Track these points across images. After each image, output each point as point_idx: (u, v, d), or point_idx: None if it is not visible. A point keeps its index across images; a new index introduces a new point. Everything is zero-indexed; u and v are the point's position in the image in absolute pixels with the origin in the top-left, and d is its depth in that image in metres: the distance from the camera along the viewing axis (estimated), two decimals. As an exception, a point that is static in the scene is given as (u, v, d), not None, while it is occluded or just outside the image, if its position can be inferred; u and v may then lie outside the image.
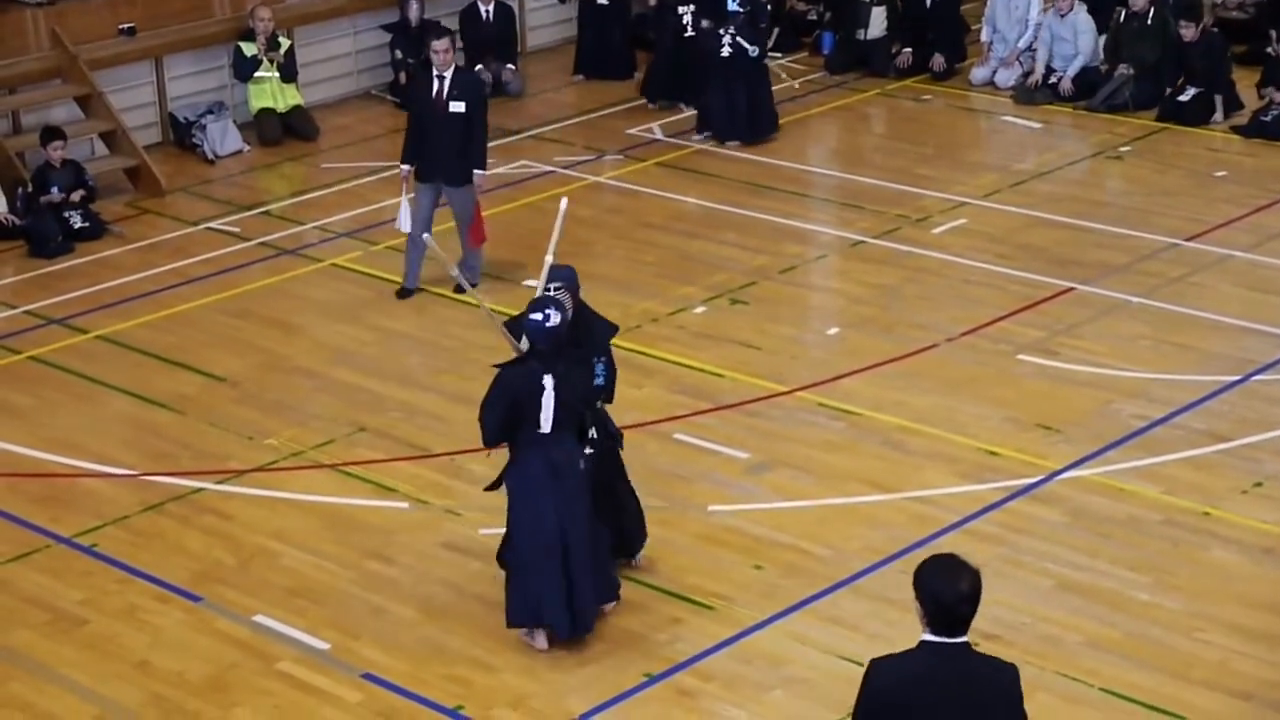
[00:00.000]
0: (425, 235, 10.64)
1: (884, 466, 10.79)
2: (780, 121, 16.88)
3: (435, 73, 13.23)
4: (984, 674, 5.86)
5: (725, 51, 16.40)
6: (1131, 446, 10.99)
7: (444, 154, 13.20)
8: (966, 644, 5.84)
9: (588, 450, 9.09)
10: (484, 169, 13.42)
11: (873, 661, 5.99)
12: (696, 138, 16.70)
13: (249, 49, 16.84)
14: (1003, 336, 12.55)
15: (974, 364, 12.14)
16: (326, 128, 17.24)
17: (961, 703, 5.78)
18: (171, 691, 8.87)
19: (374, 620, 9.41)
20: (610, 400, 9.48)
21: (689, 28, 17.21)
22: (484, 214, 13.48)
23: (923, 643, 5.87)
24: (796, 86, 17.56)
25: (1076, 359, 12.16)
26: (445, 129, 13.15)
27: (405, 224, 13.26)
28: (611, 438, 9.45)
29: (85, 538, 10.30)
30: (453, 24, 18.37)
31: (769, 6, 17.63)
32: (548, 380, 8.72)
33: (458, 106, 13.16)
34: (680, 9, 17.31)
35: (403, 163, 13.40)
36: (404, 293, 13.42)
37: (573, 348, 9.02)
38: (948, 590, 5.81)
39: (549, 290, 9.12)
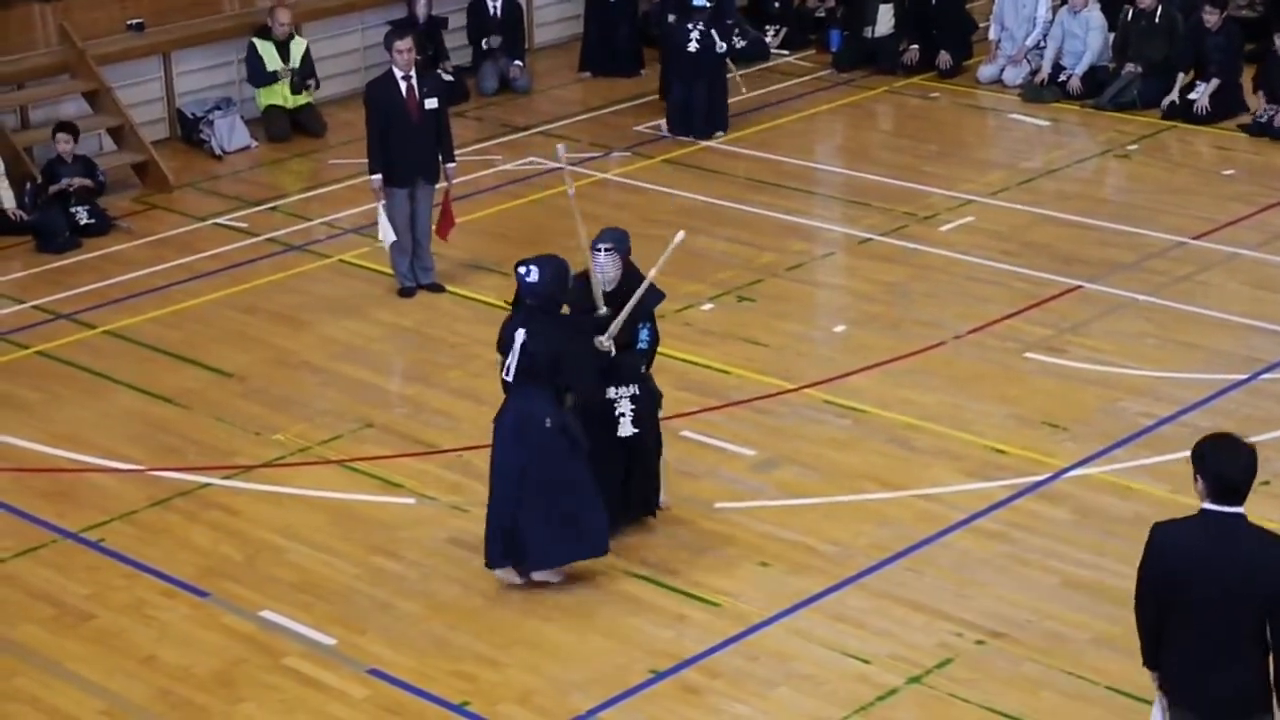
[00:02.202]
0: (559, 148, 10.74)
1: (890, 464, 10.79)
2: (781, 119, 16.88)
3: (400, 74, 13.07)
4: (1254, 542, 6.71)
5: (692, 46, 16.40)
6: (1138, 445, 10.98)
7: (423, 154, 13.16)
8: (1242, 514, 6.74)
9: (568, 406, 9.37)
10: (454, 161, 13.46)
11: (1156, 525, 6.95)
12: (665, 132, 16.68)
13: (269, 58, 16.77)
14: (1010, 334, 12.55)
15: (981, 362, 12.14)
16: (334, 124, 17.24)
17: (1233, 565, 6.65)
18: (178, 686, 8.88)
19: (380, 616, 9.42)
20: (649, 365, 9.88)
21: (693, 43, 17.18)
22: (490, 209, 13.49)
23: (1203, 511, 6.78)
24: (745, 91, 17.43)
25: (1083, 357, 12.16)
26: (422, 128, 13.12)
27: (390, 235, 13.18)
28: (652, 396, 9.94)
29: (92, 533, 10.31)
30: (460, 20, 18.41)
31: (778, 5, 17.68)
32: (520, 333, 9.18)
33: (432, 103, 13.15)
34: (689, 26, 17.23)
35: (373, 173, 13.16)
36: (406, 292, 13.41)
37: (598, 309, 9.62)
38: (1230, 465, 6.73)
39: (598, 249, 9.72)
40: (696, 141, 16.55)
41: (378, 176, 13.13)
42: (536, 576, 9.57)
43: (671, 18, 16.68)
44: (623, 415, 9.78)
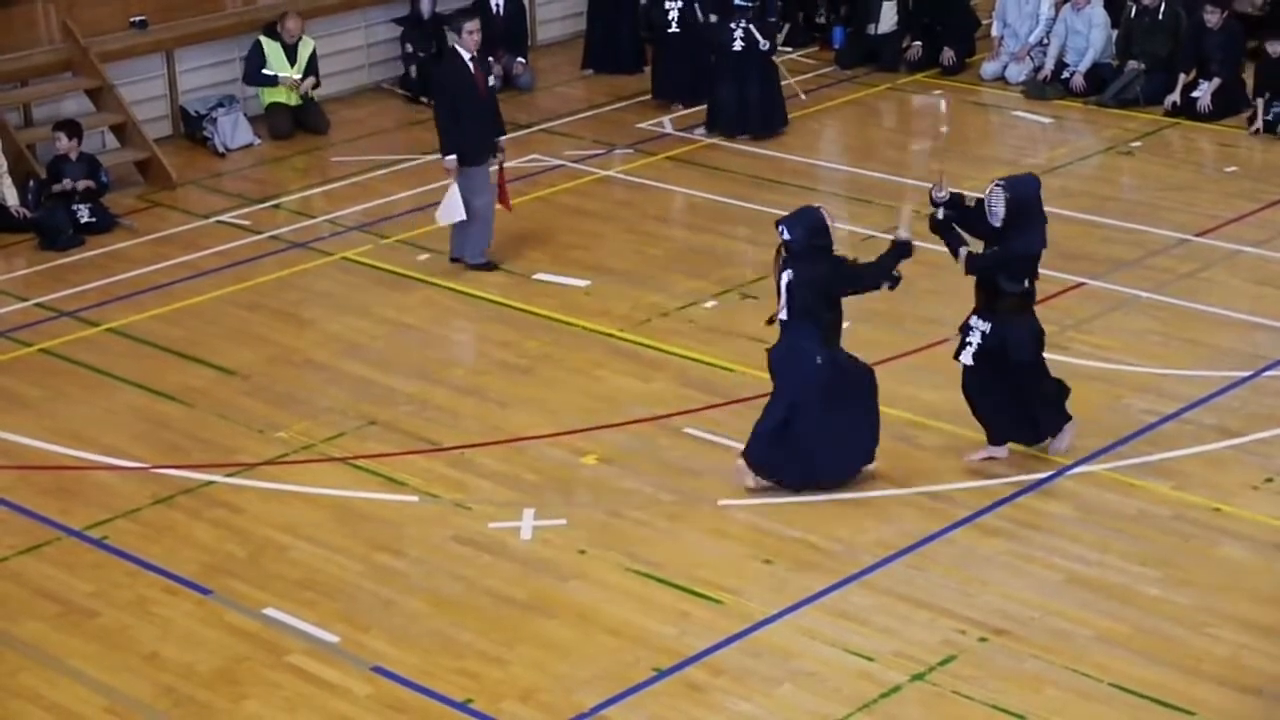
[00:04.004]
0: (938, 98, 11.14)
1: (894, 461, 10.78)
2: (790, 116, 16.87)
3: (467, 55, 13.50)
4: None
5: (738, 45, 16.38)
6: (1142, 442, 10.98)
7: (490, 130, 13.61)
8: None
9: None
10: (505, 134, 13.95)
11: None
12: (700, 133, 16.66)
13: (275, 58, 16.74)
14: (1013, 331, 12.51)
15: (984, 359, 12.11)
16: (337, 121, 17.23)
17: None
18: (181, 683, 8.88)
19: (384, 613, 9.43)
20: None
21: (674, 24, 17.16)
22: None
23: None
24: (803, 97, 17.43)
25: (1087, 354, 12.15)
26: (489, 106, 13.61)
27: (459, 214, 13.46)
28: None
29: (95, 530, 10.31)
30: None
31: (780, 2, 17.62)
32: (784, 275, 10.09)
33: (493, 81, 13.84)
34: (667, 4, 17.23)
35: (447, 154, 13.48)
36: (489, 266, 13.67)
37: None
38: None
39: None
40: (703, 139, 16.49)
41: (453, 157, 13.41)
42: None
43: (713, 17, 16.66)
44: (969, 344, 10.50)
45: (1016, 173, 11.10)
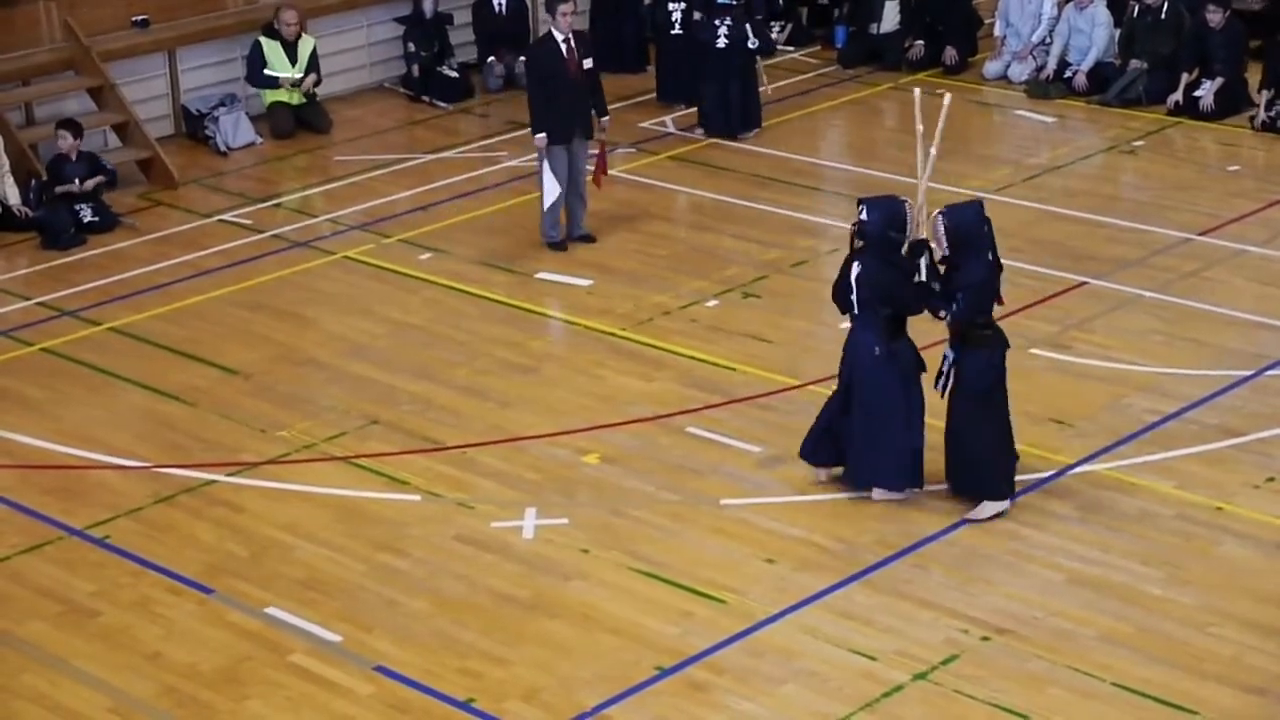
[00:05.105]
0: (946, 97, 10.90)
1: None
2: (791, 116, 16.85)
3: (560, 37, 13.78)
4: None
5: (721, 43, 16.38)
6: (1144, 441, 10.97)
7: (580, 110, 13.89)
8: None
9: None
10: (608, 114, 14.23)
11: None
12: (699, 133, 16.65)
13: (275, 58, 16.75)
14: (1015, 330, 12.44)
15: (986, 358, 12.10)
16: (339, 120, 17.23)
17: None
18: (184, 683, 8.88)
19: (386, 613, 9.42)
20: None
21: (676, 24, 17.16)
22: (496, 205, 13.58)
23: None
24: (769, 93, 17.40)
25: (1089, 353, 12.14)
26: (581, 87, 13.85)
27: (555, 192, 13.77)
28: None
29: (97, 529, 10.31)
30: (465, 17, 18.38)
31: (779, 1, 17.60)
32: (855, 266, 10.05)
33: (589, 63, 13.94)
34: (670, 5, 17.22)
35: (537, 132, 13.75)
36: (557, 245, 13.97)
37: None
38: None
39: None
40: (704, 138, 16.50)
41: (542, 135, 13.71)
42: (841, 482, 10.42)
43: (698, 16, 16.66)
44: None
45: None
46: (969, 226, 10.01)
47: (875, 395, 10.15)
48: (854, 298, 10.11)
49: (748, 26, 16.37)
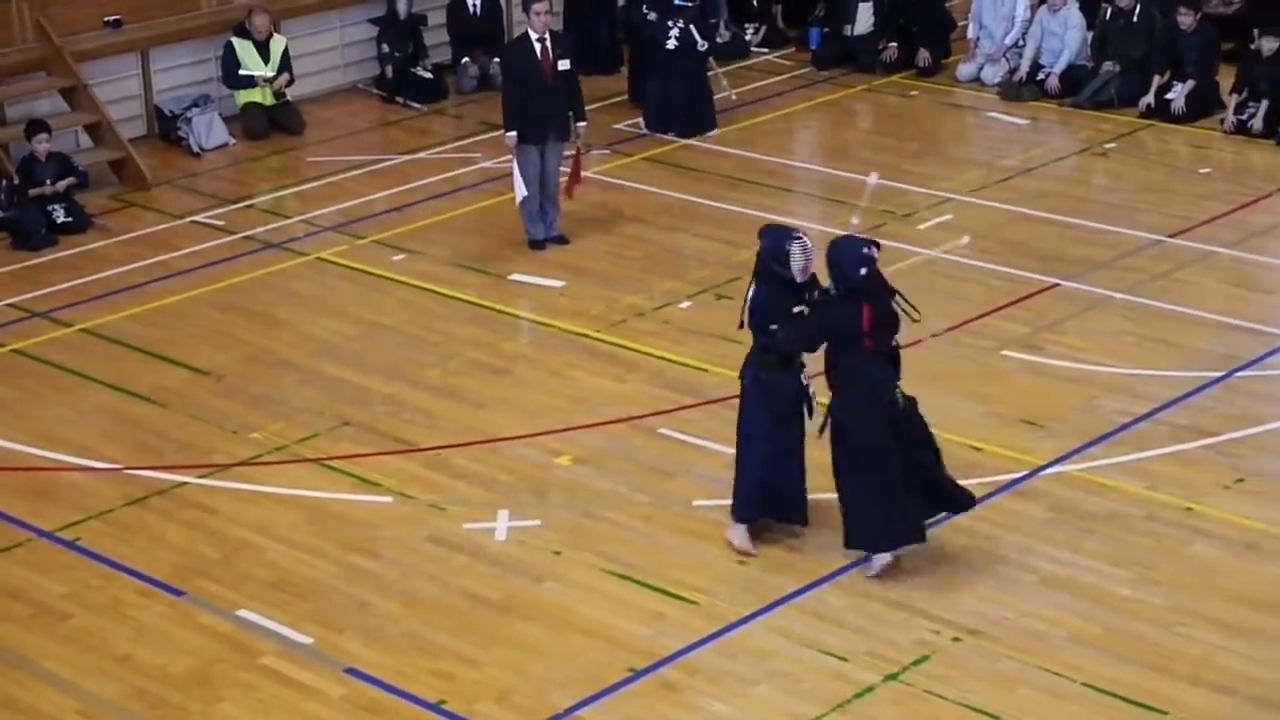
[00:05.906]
0: (873, 177, 10.42)
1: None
2: (767, 117, 16.88)
3: (534, 37, 13.81)
4: None
5: (671, 44, 16.43)
6: (1115, 442, 11.01)
7: (554, 112, 13.87)
8: None
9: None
10: (586, 120, 14.25)
11: None
12: (645, 131, 16.72)
13: (248, 58, 16.72)
14: (987, 332, 12.56)
15: (958, 359, 12.15)
16: (312, 121, 17.20)
17: None
18: (154, 686, 8.86)
19: (358, 614, 9.41)
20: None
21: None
22: (470, 206, 13.58)
23: None
24: (734, 98, 17.47)
25: (1060, 355, 12.18)
26: (554, 88, 13.84)
27: (524, 188, 13.78)
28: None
29: (68, 531, 10.28)
30: (440, 18, 18.36)
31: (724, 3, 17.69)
32: (750, 288, 9.79)
33: (565, 64, 13.89)
34: (645, 7, 17.19)
35: (508, 131, 13.79)
36: (536, 244, 14.02)
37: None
38: None
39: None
40: (676, 140, 16.55)
41: (513, 134, 13.76)
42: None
43: (653, 15, 16.69)
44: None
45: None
46: (845, 266, 9.36)
47: (744, 421, 9.80)
48: (744, 318, 9.78)
49: (693, 28, 16.42)
